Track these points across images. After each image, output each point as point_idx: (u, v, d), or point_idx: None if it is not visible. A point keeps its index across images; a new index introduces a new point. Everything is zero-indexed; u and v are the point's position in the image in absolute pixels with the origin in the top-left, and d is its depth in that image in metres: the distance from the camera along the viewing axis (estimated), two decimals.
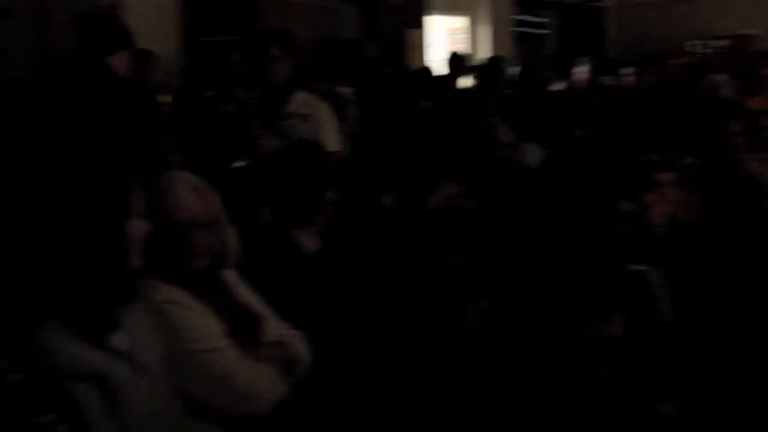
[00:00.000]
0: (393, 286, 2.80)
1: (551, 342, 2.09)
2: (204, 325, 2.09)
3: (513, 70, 7.14)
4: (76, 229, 1.64)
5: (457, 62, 7.31)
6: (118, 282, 1.68)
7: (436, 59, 8.23)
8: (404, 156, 5.28)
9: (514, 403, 2.05)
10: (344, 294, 2.62)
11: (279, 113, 3.99)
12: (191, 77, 6.06)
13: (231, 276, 2.34)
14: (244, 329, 2.21)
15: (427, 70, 7.25)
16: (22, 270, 1.64)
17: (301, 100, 4.07)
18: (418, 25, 8.46)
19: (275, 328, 2.32)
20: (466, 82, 7.25)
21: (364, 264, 2.78)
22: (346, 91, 6.44)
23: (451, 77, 7.23)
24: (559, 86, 7.19)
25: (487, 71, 7.02)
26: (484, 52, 9.65)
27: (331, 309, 2.53)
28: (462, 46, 9.49)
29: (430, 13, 8.69)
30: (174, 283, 2.10)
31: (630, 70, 7.43)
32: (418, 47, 8.39)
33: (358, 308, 2.61)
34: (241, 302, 2.29)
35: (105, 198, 1.68)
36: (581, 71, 7.32)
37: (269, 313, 2.35)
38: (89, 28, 3.59)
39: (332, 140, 3.98)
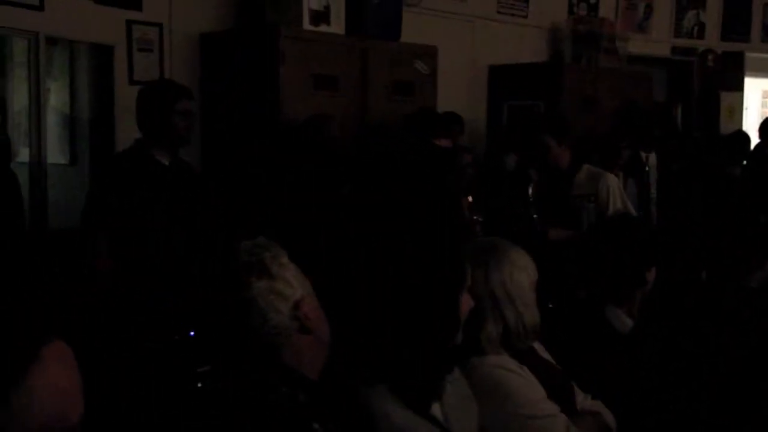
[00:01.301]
0: (705, 371, 2.61)
1: None
2: (535, 391, 2.08)
3: None
4: (420, 300, 1.70)
5: None
6: (446, 352, 1.71)
7: (752, 124, 7.72)
8: (714, 226, 4.98)
9: None
10: (655, 378, 2.48)
11: (563, 197, 4.10)
12: (494, 141, 6.19)
13: (536, 342, 2.32)
14: (561, 395, 2.18)
15: (741, 135, 6.82)
16: (361, 333, 1.73)
17: (583, 179, 4.14)
18: (737, 87, 7.97)
19: (579, 396, 2.29)
20: None
21: (677, 347, 2.62)
22: (649, 156, 6.22)
23: (764, 143, 6.73)
24: None
25: None
26: None
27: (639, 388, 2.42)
28: None
29: (747, 75, 8.17)
30: (508, 349, 2.11)
31: None
32: (735, 111, 7.91)
33: (673, 397, 2.46)
34: (556, 368, 2.27)
35: (447, 270, 1.73)
36: None
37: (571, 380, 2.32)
38: (415, 123, 4.41)
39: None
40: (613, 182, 4.16)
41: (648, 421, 2.34)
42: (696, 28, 7.98)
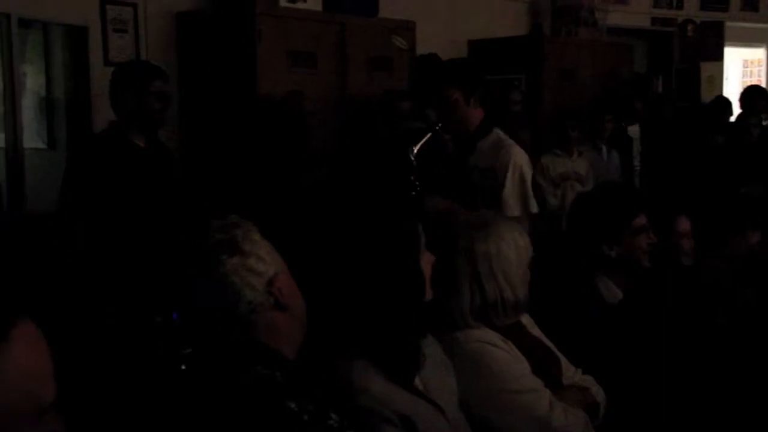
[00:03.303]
0: (692, 341, 2.62)
1: None
2: (519, 366, 2.07)
3: None
4: (381, 266, 1.70)
5: (753, 97, 6.79)
6: (417, 316, 1.71)
7: (733, 93, 7.73)
8: (696, 196, 5.00)
9: None
10: (643, 346, 2.49)
11: (463, 166, 3.38)
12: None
13: (525, 317, 2.31)
14: (546, 370, 2.18)
15: (721, 101, 6.82)
16: (333, 307, 1.72)
17: (487, 149, 3.36)
18: (717, 57, 7.96)
19: (569, 371, 2.28)
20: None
21: (663, 316, 2.62)
22: (632, 128, 6.24)
23: (746, 113, 6.74)
24: None
25: None
26: None
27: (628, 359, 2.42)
28: (758, 80, 8.89)
29: (727, 45, 8.17)
30: (490, 324, 2.10)
31: None
32: (716, 81, 7.91)
33: (658, 364, 2.47)
34: (542, 343, 2.26)
35: (403, 232, 1.73)
36: None
37: (561, 355, 2.31)
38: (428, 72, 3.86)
39: (511, 202, 3.28)
40: (519, 159, 3.33)
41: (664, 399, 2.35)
42: None
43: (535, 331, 2.29)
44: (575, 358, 2.33)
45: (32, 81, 4.65)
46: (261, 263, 1.53)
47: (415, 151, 3.22)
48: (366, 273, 1.71)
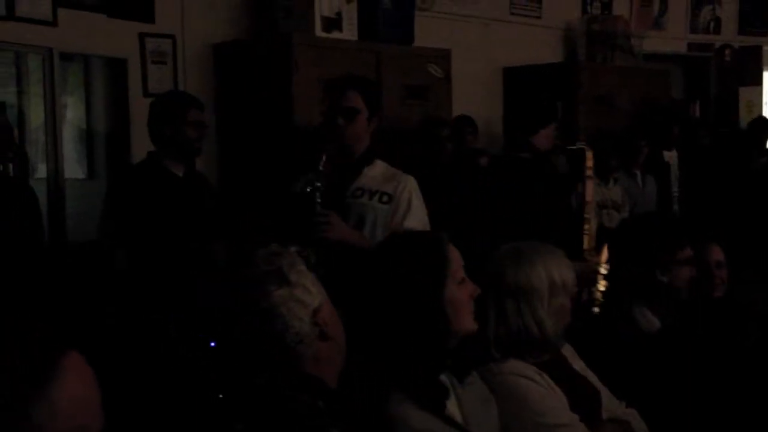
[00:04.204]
0: (731, 371, 2.57)
1: None
2: (553, 399, 2.04)
3: None
4: (398, 296, 1.70)
5: None
6: (439, 347, 1.70)
7: None
8: (740, 222, 4.95)
9: None
10: (682, 376, 2.45)
11: (347, 187, 3.17)
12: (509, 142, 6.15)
13: (567, 349, 2.28)
14: (585, 404, 2.14)
15: (763, 122, 6.72)
16: (365, 338, 1.71)
17: (377, 175, 3.21)
18: (756, 82, 7.86)
19: (611, 403, 2.24)
20: None
21: (704, 346, 2.58)
22: (670, 154, 6.19)
23: None
24: None
25: None
26: None
27: (668, 389, 2.38)
28: None
29: (766, 69, 8.07)
30: (520, 356, 2.07)
31: None
32: (755, 106, 7.81)
33: (700, 393, 2.42)
34: (581, 376, 2.22)
35: (423, 263, 1.73)
36: None
37: (604, 388, 2.27)
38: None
39: (414, 224, 3.09)
40: (414, 185, 3.21)
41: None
42: (712, 23, 7.91)
43: (576, 363, 2.26)
44: (614, 388, 2.30)
45: (73, 113, 4.73)
46: (307, 294, 1.53)
47: (321, 167, 3.07)
48: (383, 304, 1.71)
